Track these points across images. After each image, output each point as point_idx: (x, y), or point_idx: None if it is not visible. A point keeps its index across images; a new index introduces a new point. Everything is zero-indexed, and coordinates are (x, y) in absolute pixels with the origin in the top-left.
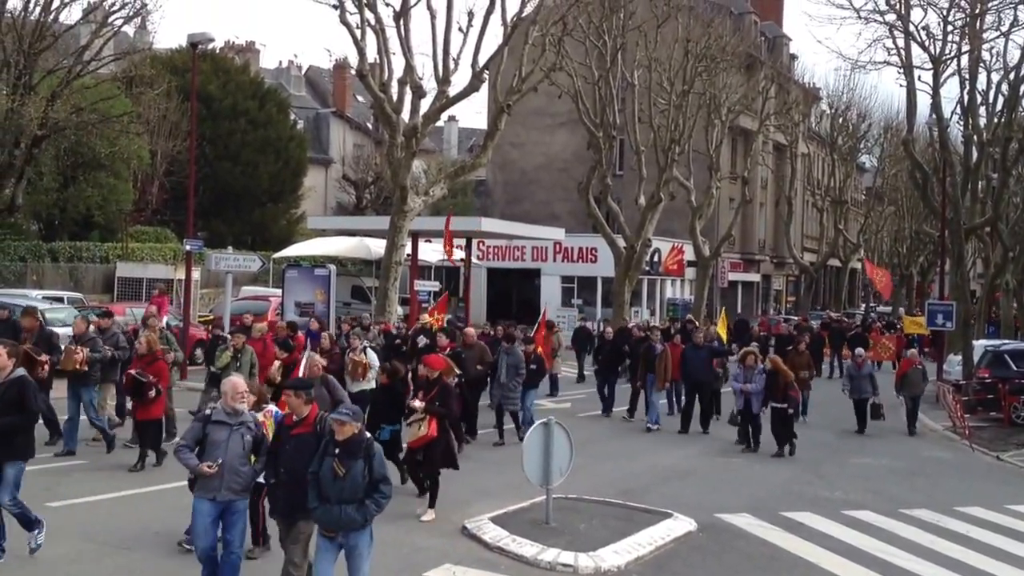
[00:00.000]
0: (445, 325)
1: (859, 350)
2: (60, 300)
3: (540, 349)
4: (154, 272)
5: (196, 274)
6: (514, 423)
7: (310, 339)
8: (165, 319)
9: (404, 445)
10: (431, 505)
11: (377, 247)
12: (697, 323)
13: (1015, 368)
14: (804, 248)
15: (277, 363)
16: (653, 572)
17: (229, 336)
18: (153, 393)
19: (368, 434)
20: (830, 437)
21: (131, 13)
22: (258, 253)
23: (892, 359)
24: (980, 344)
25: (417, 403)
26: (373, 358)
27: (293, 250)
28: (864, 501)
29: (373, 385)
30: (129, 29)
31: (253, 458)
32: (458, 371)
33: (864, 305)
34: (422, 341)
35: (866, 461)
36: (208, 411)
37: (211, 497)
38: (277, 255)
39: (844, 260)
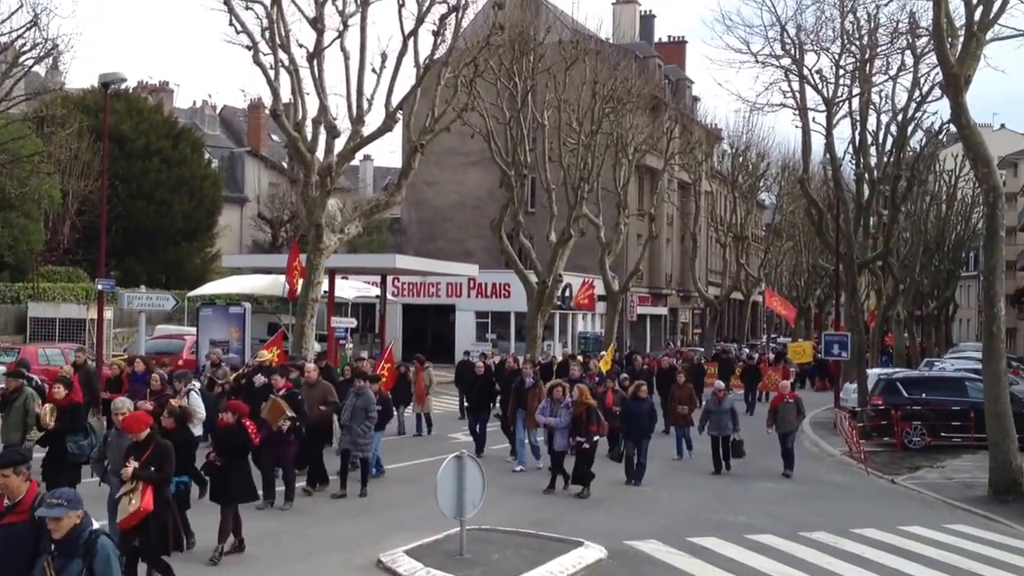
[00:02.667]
0: (284, 362)
1: (718, 383)
2: None
3: (387, 388)
4: (66, 312)
5: (109, 314)
6: (361, 473)
7: (134, 381)
8: None
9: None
10: None
11: None
12: (577, 357)
13: (907, 395)
14: (709, 282)
15: (49, 406)
16: None
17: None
18: None
19: (96, 525)
20: (733, 462)
21: (42, 53)
22: (172, 292)
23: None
24: (874, 372)
25: (128, 468)
26: (197, 403)
27: (208, 288)
28: (766, 525)
29: (199, 432)
30: (40, 69)
31: None
32: (291, 413)
33: (765, 336)
34: (259, 380)
35: (768, 486)
36: None
37: None
38: (192, 293)
39: (746, 293)
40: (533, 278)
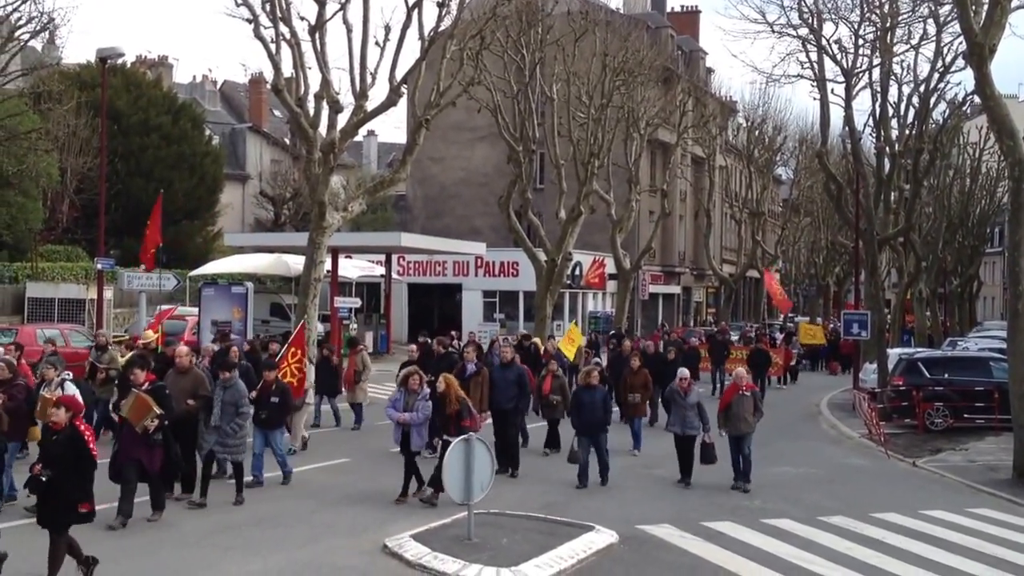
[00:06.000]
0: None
1: (682, 370)
2: None
3: (293, 377)
4: (65, 292)
5: (109, 293)
6: (235, 478)
7: None
8: None
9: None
10: None
11: (296, 264)
12: (537, 339)
13: (929, 376)
14: (723, 260)
15: None
16: None
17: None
18: None
19: None
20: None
21: (38, 27)
22: (173, 271)
23: (779, 375)
24: (895, 352)
25: None
26: (72, 392)
27: (210, 268)
28: (783, 509)
29: None
30: (36, 44)
31: None
32: (158, 411)
33: (783, 316)
34: (140, 376)
35: (785, 469)
36: None
37: None
38: (193, 273)
39: (762, 271)
40: (542, 256)
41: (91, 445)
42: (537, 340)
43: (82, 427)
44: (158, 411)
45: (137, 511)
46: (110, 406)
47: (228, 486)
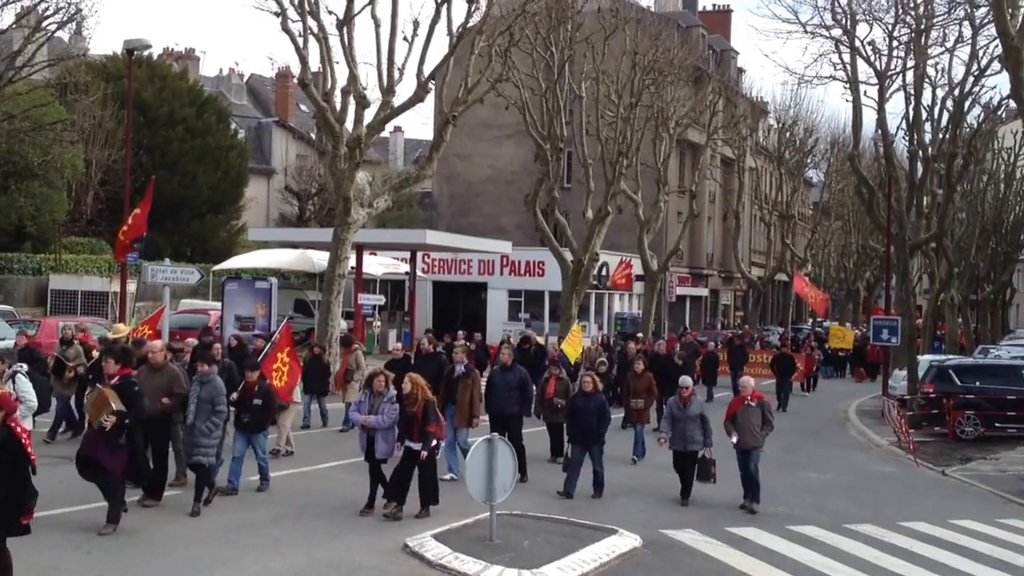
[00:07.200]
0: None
1: (684, 379)
2: None
3: (280, 379)
4: (88, 284)
5: (132, 287)
6: (197, 482)
7: None
8: None
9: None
10: None
11: (320, 260)
12: (531, 337)
13: (959, 383)
14: (752, 263)
15: None
16: None
17: None
18: None
19: None
20: (776, 452)
21: (65, 18)
22: (197, 265)
23: (800, 380)
24: (925, 359)
25: None
26: (24, 388)
27: (234, 262)
28: (809, 516)
29: (29, 426)
30: (63, 34)
31: None
32: (116, 406)
33: (812, 320)
34: (112, 367)
35: (811, 476)
36: None
37: None
38: (217, 267)
39: (791, 275)
40: (568, 256)
41: (28, 448)
42: (541, 341)
43: (17, 428)
44: (115, 406)
45: (138, 514)
46: (72, 402)
47: (248, 486)
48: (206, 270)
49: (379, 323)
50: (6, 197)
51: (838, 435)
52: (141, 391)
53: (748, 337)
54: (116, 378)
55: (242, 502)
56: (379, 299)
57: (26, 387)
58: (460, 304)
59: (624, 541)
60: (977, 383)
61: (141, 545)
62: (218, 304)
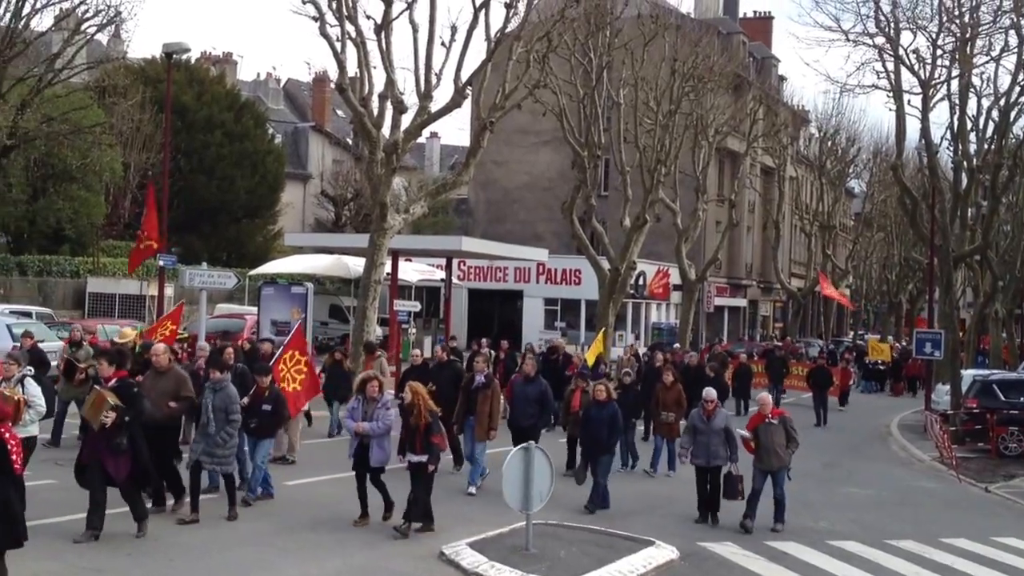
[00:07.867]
0: (171, 342)
1: (708, 391)
2: (28, 315)
3: (288, 384)
4: (126, 288)
5: (169, 290)
6: (227, 489)
7: None
8: None
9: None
10: None
11: (356, 265)
12: (559, 346)
13: (1004, 399)
14: (792, 273)
15: None
16: None
17: None
18: None
19: None
20: (816, 466)
21: (104, 21)
22: (233, 270)
23: (835, 395)
24: (969, 373)
25: None
26: (34, 392)
27: (270, 267)
28: (850, 531)
29: (36, 432)
30: (102, 37)
31: None
32: (114, 402)
33: (852, 332)
34: (106, 369)
35: (852, 491)
36: None
37: None
38: (253, 272)
39: (833, 286)
40: (605, 264)
41: (13, 456)
42: (570, 350)
43: (7, 435)
44: (113, 401)
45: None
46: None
47: (283, 492)
48: (242, 274)
49: (414, 330)
50: (45, 200)
51: (879, 450)
52: (141, 392)
53: (788, 349)
54: (113, 381)
55: (278, 508)
56: (414, 306)
57: (36, 391)
58: (496, 312)
59: (661, 553)
60: (1021, 399)
61: (179, 547)
62: (254, 309)
